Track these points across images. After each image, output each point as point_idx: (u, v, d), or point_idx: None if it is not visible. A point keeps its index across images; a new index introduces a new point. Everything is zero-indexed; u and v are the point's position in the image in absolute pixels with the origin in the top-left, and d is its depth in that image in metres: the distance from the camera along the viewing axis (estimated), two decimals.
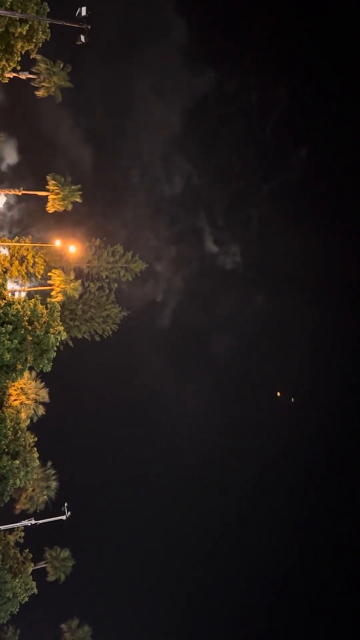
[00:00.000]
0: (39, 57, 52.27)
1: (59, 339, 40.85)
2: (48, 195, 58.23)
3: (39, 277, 61.39)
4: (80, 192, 58.60)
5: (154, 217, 75.03)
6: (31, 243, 60.08)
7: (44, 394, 53.23)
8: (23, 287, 59.26)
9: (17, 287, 57.86)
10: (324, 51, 75.30)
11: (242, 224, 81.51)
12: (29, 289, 59.36)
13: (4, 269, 57.34)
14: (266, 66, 75.18)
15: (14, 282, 58.11)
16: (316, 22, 74.02)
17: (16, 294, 56.58)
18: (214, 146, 78.04)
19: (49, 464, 56.09)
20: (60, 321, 42.51)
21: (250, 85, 75.63)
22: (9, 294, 41.08)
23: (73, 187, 58.16)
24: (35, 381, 53.17)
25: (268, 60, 75.07)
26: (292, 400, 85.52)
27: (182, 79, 71.68)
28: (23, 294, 56.43)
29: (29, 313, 39.26)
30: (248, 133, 78.43)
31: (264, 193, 79.87)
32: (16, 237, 59.77)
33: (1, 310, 37.77)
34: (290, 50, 75.07)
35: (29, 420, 50.65)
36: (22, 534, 51.21)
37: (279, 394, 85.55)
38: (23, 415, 48.30)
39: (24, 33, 39.50)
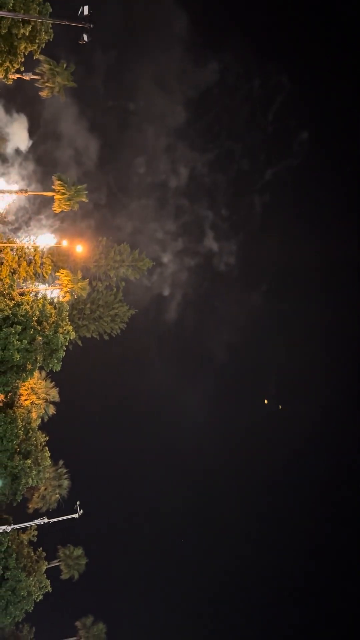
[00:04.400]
0: (42, 57, 52.27)
1: (68, 339, 41.06)
2: (54, 196, 58.26)
3: (47, 277, 61.57)
4: (86, 192, 58.57)
5: (158, 209, 75.07)
6: (38, 244, 60.26)
7: (54, 394, 53.46)
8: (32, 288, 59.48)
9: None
10: (325, 36, 75.25)
11: (246, 213, 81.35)
12: (38, 290, 59.56)
13: (12, 270, 57.58)
14: (268, 54, 75.19)
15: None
16: (316, 9, 73.95)
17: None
18: (217, 135, 78.02)
19: (61, 462, 56.39)
20: (69, 321, 42.71)
21: (253, 74, 75.64)
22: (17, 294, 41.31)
23: (79, 187, 58.09)
24: (46, 381, 53.40)
25: (269, 47, 75.09)
26: (280, 407, 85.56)
27: (185, 70, 71.65)
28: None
29: (37, 313, 39.48)
30: (251, 120, 78.38)
31: (268, 180, 79.63)
32: (23, 238, 59.95)
33: (10, 311, 38.00)
34: (291, 37, 75.03)
35: (39, 419, 50.93)
36: (35, 532, 51.53)
37: (266, 401, 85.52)
38: (34, 415, 48.56)
39: (27, 34, 39.60)
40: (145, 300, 72.36)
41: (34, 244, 58.99)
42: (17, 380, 41.20)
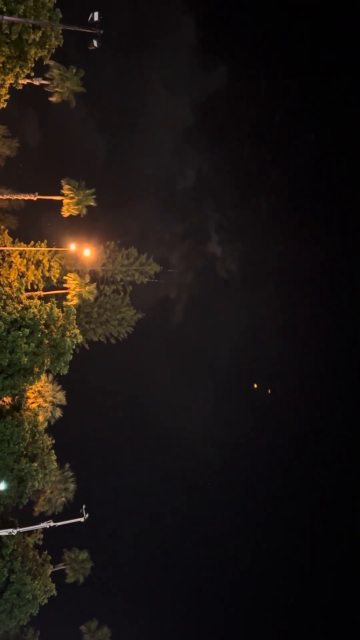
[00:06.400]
0: (52, 62, 52.67)
1: (75, 342, 41.13)
2: (63, 200, 58.58)
3: (55, 280, 61.85)
4: (94, 196, 58.81)
5: (164, 212, 75.58)
6: (47, 247, 60.55)
7: (61, 397, 53.55)
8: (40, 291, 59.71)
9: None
10: (331, 40, 75.80)
11: (253, 214, 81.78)
12: (45, 293, 59.82)
13: (21, 274, 57.86)
14: (275, 57, 75.78)
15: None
16: (323, 13, 74.45)
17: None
18: (226, 137, 78.64)
19: (67, 466, 56.45)
20: (76, 324, 42.79)
21: (260, 77, 76.27)
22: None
23: (87, 192, 58.36)
24: (53, 384, 53.53)
25: (276, 51, 75.69)
26: (269, 391, 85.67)
27: (193, 74, 72.31)
28: None
29: (45, 316, 39.58)
30: (258, 122, 78.99)
31: (274, 181, 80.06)
32: (32, 241, 60.28)
33: (18, 314, 38.14)
34: (298, 41, 75.59)
35: (46, 422, 50.97)
36: (41, 536, 51.54)
37: (255, 385, 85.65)
38: (41, 418, 48.63)
39: (37, 39, 39.79)
40: (151, 302, 72.61)
41: (43, 246, 59.19)
42: (25, 383, 41.29)
